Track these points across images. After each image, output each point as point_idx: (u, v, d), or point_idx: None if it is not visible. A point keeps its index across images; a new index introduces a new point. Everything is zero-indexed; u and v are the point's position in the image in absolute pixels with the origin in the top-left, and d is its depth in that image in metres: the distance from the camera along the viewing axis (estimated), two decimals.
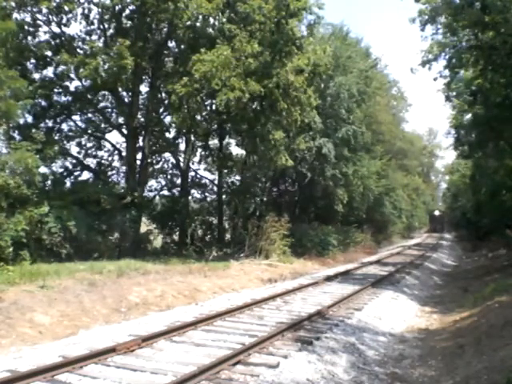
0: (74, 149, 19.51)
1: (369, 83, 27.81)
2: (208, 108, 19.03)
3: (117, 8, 16.30)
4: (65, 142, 18.68)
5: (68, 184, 18.04)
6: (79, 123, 19.14)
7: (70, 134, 18.93)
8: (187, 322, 8.23)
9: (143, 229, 19.14)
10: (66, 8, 15.45)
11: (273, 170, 22.85)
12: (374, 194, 30.79)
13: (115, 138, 21.34)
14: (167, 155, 22.12)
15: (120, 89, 17.62)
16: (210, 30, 17.82)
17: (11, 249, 11.46)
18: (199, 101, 16.36)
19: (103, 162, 20.77)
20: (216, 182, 23.16)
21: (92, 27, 17.09)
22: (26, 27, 15.74)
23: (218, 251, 19.28)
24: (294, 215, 25.25)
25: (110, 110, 20.06)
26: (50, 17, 15.98)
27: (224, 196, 22.95)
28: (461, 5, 15.22)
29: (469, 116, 21.47)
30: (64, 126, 18.71)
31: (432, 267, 22.39)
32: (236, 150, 24.37)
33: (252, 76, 15.95)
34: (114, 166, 21.09)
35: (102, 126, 19.86)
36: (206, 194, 24.07)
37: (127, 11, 16.85)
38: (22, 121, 15.29)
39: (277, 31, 16.70)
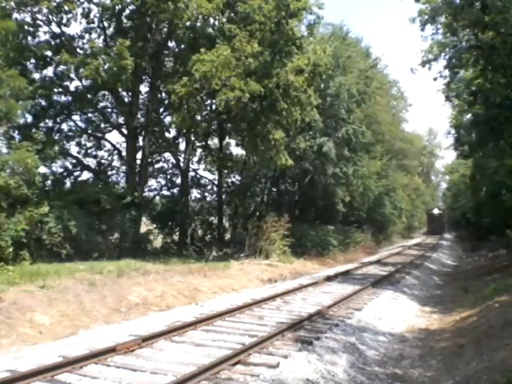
0: (73, 149, 19.57)
1: (369, 83, 27.80)
2: (208, 108, 19.04)
3: (117, 8, 16.27)
4: (65, 142, 18.69)
5: (68, 184, 18.08)
6: (79, 123, 19.18)
7: (70, 133, 18.94)
8: (187, 322, 8.23)
9: (143, 229, 19.13)
10: (66, 8, 15.46)
11: (273, 170, 22.86)
12: (374, 194, 30.78)
13: (115, 137, 21.40)
14: (167, 155, 22.19)
15: (120, 89, 17.59)
16: (210, 29, 17.83)
17: (11, 249, 11.46)
18: (199, 101, 16.35)
19: (103, 161, 20.80)
20: (216, 181, 23.17)
21: (92, 25, 17.08)
22: (26, 27, 15.73)
23: (218, 251, 19.29)
24: (294, 215, 25.22)
25: (109, 109, 20.09)
26: (50, 17, 15.98)
27: (224, 196, 22.96)
28: (461, 5, 15.20)
29: (469, 116, 21.45)
30: (64, 126, 18.76)
31: (432, 267, 22.40)
32: (236, 150, 24.41)
33: (252, 76, 15.93)
34: (114, 166, 21.15)
35: (102, 125, 19.87)
36: (206, 193, 24.16)
37: (127, 11, 16.84)
38: (21, 121, 15.29)
39: (277, 31, 16.68)
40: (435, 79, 18.92)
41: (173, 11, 15.58)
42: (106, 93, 18.84)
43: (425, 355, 7.88)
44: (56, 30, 16.42)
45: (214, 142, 23.00)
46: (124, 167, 19.56)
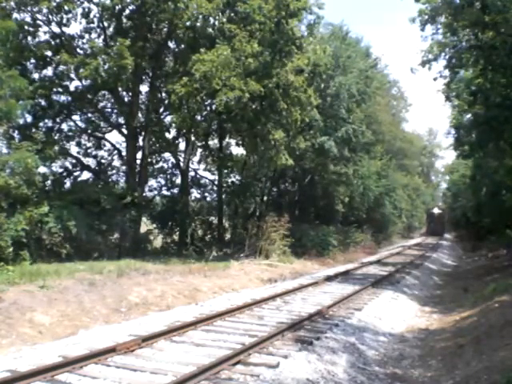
0: (73, 149, 19.56)
1: (369, 83, 27.76)
2: (208, 108, 19.02)
3: (117, 8, 16.26)
4: (65, 142, 18.68)
5: (68, 184, 18.09)
6: (79, 123, 19.18)
7: (70, 133, 18.93)
8: (187, 322, 8.23)
9: (143, 229, 19.14)
10: (66, 8, 15.45)
11: (273, 170, 22.86)
12: (374, 193, 30.80)
13: (115, 137, 21.38)
14: (167, 155, 22.15)
15: (120, 89, 17.61)
16: (210, 29, 17.81)
17: (11, 249, 11.46)
18: (199, 101, 16.34)
19: (103, 161, 20.79)
20: (216, 181, 23.16)
21: (92, 25, 17.07)
22: (26, 27, 15.73)
23: (218, 251, 19.29)
24: (294, 215, 25.23)
25: (109, 109, 20.08)
26: (50, 17, 15.98)
27: (224, 196, 22.95)
28: (461, 5, 15.18)
29: (469, 116, 21.44)
30: (64, 126, 18.74)
31: (432, 267, 22.40)
32: (236, 150, 24.38)
33: (252, 76, 15.94)
34: (114, 166, 21.13)
35: (102, 125, 19.87)
36: (206, 193, 24.13)
37: (127, 11, 16.84)
38: (21, 121, 15.28)
39: (277, 31, 16.69)
40: (435, 79, 18.90)
41: (173, 11, 15.60)
42: (106, 93, 18.83)
43: (425, 355, 7.89)
44: (56, 29, 16.46)
45: (214, 142, 23.00)
46: (124, 167, 19.55)
